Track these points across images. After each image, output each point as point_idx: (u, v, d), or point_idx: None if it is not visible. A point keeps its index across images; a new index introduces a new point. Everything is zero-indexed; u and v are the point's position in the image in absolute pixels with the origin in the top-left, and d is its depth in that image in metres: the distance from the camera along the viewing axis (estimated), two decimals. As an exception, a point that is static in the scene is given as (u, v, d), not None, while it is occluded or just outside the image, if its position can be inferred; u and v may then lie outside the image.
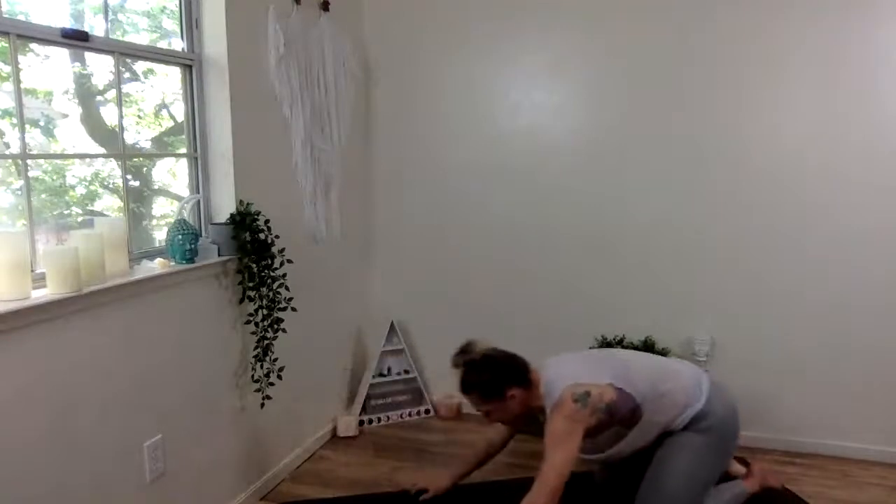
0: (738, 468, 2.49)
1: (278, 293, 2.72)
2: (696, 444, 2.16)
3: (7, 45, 1.90)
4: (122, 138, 2.34)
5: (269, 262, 2.67)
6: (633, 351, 2.44)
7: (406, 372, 3.73)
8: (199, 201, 2.65)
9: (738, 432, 2.27)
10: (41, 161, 2.18)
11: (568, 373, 2.16)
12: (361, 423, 3.57)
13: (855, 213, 3.06)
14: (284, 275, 2.74)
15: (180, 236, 2.37)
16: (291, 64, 2.93)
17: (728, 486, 2.34)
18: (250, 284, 2.63)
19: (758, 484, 2.40)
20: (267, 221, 2.69)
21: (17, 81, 1.93)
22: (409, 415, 3.72)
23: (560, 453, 2.00)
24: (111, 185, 2.45)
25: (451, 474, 2.49)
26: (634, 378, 2.17)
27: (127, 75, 2.46)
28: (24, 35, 1.96)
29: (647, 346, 3.31)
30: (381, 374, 3.69)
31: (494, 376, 2.16)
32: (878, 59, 2.96)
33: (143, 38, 2.50)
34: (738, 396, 2.39)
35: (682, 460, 2.15)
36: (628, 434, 2.20)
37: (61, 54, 2.20)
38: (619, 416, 2.12)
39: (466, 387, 2.20)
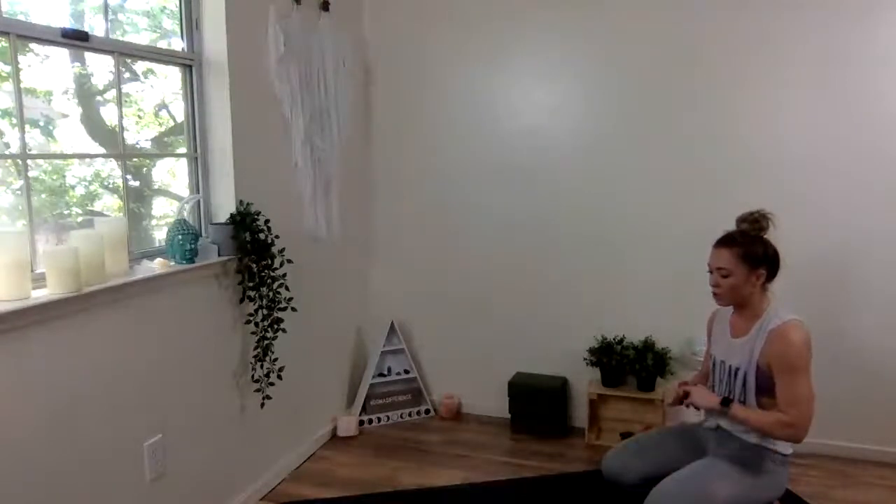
0: None
1: (278, 293, 2.72)
2: (745, 477, 2.13)
3: (7, 45, 1.90)
4: (122, 138, 2.34)
5: (269, 262, 2.67)
6: None
7: (406, 372, 3.73)
8: (199, 201, 2.65)
9: (772, 499, 2.24)
10: (41, 161, 2.18)
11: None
12: (361, 423, 3.57)
13: (856, 213, 3.06)
14: (284, 275, 2.74)
15: (180, 236, 2.37)
16: (291, 64, 2.93)
17: None
18: (250, 284, 2.63)
19: None
20: (267, 221, 2.69)
21: (17, 81, 1.93)
22: (409, 415, 3.72)
23: (804, 379, 2.04)
24: (111, 185, 2.45)
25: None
26: None
27: (127, 75, 2.46)
28: (24, 35, 1.96)
29: (647, 346, 3.31)
30: (381, 374, 3.69)
31: (765, 251, 2.18)
32: (878, 59, 2.96)
33: (142, 38, 2.50)
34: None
35: (727, 478, 2.12)
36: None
37: (61, 54, 2.20)
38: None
39: (733, 240, 2.20)
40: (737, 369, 2.17)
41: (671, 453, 2.27)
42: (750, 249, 2.17)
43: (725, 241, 2.22)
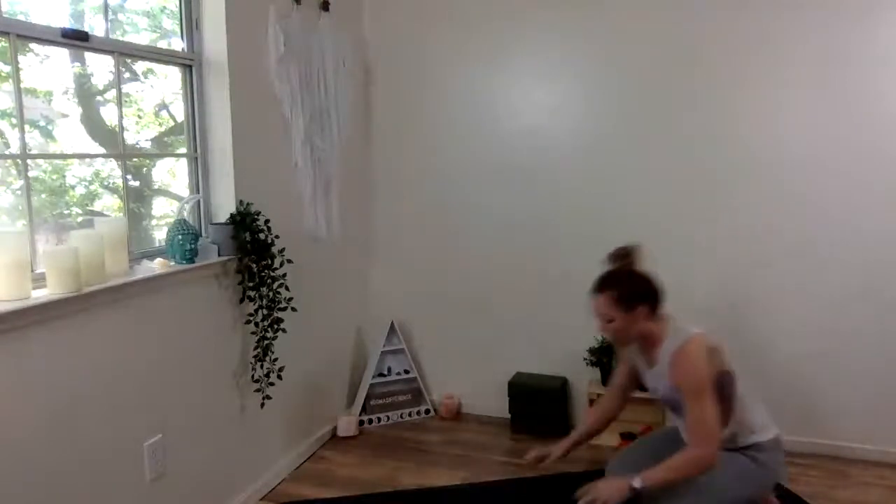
0: None
1: (278, 293, 2.72)
2: (741, 465, 2.14)
3: (7, 45, 1.90)
4: (122, 138, 2.34)
5: (269, 262, 2.67)
6: None
7: (406, 372, 3.73)
8: (199, 201, 2.65)
9: (773, 483, 2.25)
10: (41, 161, 2.18)
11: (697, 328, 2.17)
12: (361, 423, 3.57)
13: (856, 213, 3.06)
14: (284, 275, 2.74)
15: (180, 236, 2.37)
16: (291, 64, 2.93)
17: None
18: (250, 284, 2.63)
19: None
20: (267, 221, 2.69)
21: (17, 81, 1.93)
22: (409, 415, 3.72)
23: (701, 403, 2.01)
24: (111, 185, 2.45)
25: (567, 444, 2.45)
26: (739, 377, 2.19)
27: (127, 75, 2.46)
28: (24, 35, 1.96)
29: (647, 346, 3.31)
30: (381, 374, 3.69)
31: (637, 286, 2.16)
32: (878, 59, 2.96)
33: (143, 38, 2.50)
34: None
35: (720, 473, 2.13)
36: None
37: (61, 54, 2.20)
38: (721, 395, 2.10)
39: (606, 284, 2.18)
40: (667, 400, 2.18)
41: (671, 454, 2.27)
42: (623, 291, 2.15)
43: (598, 288, 2.19)
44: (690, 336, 2.09)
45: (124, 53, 2.34)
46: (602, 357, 3.35)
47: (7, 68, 1.93)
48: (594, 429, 2.52)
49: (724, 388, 2.12)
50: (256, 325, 2.69)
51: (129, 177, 2.43)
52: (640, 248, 2.23)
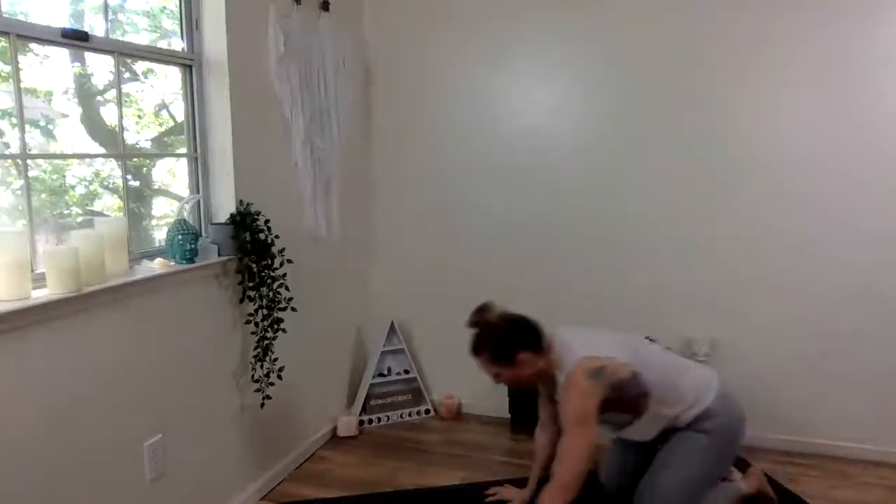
0: (735, 473, 2.51)
1: (278, 293, 2.72)
2: (698, 444, 2.16)
3: (7, 45, 1.90)
4: (122, 138, 2.34)
5: (269, 262, 2.67)
6: (647, 341, 2.52)
7: (406, 372, 3.73)
8: (199, 201, 2.65)
9: (741, 438, 2.27)
10: (41, 161, 2.18)
11: (584, 343, 2.16)
12: (361, 423, 3.57)
13: (856, 213, 3.06)
14: (284, 275, 2.74)
15: (180, 236, 2.37)
16: (291, 64, 2.93)
17: (724, 487, 2.34)
18: (250, 284, 2.63)
19: (755, 487, 2.42)
20: (267, 221, 2.69)
21: (17, 81, 1.93)
22: (409, 415, 3.72)
23: (578, 432, 2.03)
24: (111, 185, 2.45)
25: (529, 490, 2.53)
26: (648, 364, 2.18)
27: (127, 75, 2.46)
28: (24, 35, 1.96)
29: (647, 346, 3.31)
30: (381, 374, 3.69)
31: (506, 339, 2.16)
32: (878, 59, 2.96)
33: (142, 38, 2.50)
34: (738, 397, 2.39)
35: (682, 458, 2.16)
36: (633, 423, 2.21)
37: (61, 54, 2.20)
38: (626, 397, 2.11)
39: (478, 347, 2.19)
40: None
41: (652, 451, 2.31)
42: (495, 349, 2.16)
43: (474, 352, 2.22)
44: (574, 365, 2.09)
45: (124, 53, 2.34)
46: (602, 357, 3.35)
47: (7, 68, 1.93)
48: (545, 473, 2.53)
49: (628, 391, 2.13)
50: (256, 325, 2.69)
51: (129, 177, 2.43)
52: (494, 303, 2.26)
